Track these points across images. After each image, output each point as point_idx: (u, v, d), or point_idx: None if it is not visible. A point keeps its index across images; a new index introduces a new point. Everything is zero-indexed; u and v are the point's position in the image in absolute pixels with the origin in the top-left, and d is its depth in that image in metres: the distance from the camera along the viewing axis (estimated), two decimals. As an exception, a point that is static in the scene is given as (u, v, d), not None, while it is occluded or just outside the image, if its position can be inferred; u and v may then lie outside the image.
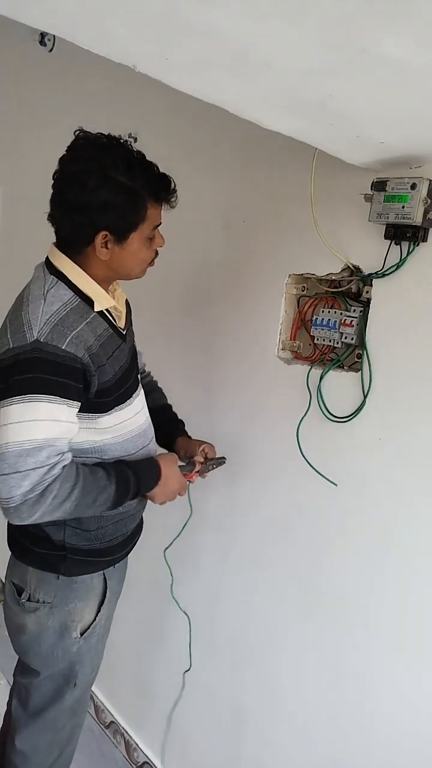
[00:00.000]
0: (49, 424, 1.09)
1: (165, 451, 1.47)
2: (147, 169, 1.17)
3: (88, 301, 1.19)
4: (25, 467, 1.06)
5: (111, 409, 1.22)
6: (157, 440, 1.46)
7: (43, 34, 2.25)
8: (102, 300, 1.21)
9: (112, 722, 2.03)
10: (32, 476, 1.07)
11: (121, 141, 1.18)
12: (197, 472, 1.42)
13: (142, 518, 1.49)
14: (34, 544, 1.32)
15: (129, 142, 1.19)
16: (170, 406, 1.59)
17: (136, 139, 1.86)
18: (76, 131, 1.17)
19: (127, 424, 1.28)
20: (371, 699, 1.29)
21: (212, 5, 0.61)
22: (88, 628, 1.36)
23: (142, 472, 1.27)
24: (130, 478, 1.23)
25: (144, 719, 1.93)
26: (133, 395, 1.31)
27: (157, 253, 1.27)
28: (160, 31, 0.71)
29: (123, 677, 1.99)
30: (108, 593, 1.39)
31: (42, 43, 2.27)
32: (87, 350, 1.14)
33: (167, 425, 1.52)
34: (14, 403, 1.08)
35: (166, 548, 1.61)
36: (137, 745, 1.93)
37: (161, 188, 1.19)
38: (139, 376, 1.42)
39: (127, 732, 1.98)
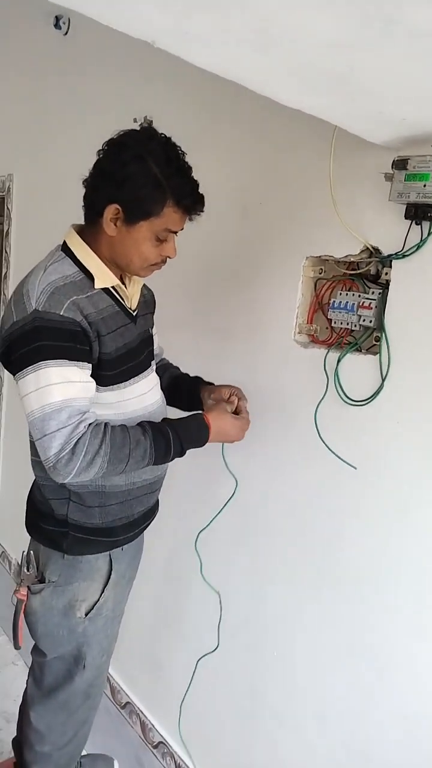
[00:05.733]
0: (63, 386, 1.14)
1: None
2: (183, 175, 1.19)
3: (92, 279, 1.22)
4: (50, 429, 1.13)
5: (112, 385, 1.25)
6: (183, 404, 1.48)
7: (57, 17, 2.23)
8: (103, 277, 1.24)
9: (128, 703, 2.06)
10: (58, 437, 1.12)
11: (178, 148, 1.20)
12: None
13: (155, 505, 1.50)
14: (41, 520, 1.38)
15: (166, 137, 1.21)
16: (185, 374, 1.59)
17: (151, 122, 1.85)
18: (144, 121, 1.21)
19: (129, 404, 1.29)
20: (388, 680, 1.29)
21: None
22: (93, 608, 1.39)
23: (181, 426, 1.28)
24: (167, 432, 1.24)
25: (160, 699, 1.95)
26: (139, 376, 1.32)
27: (165, 261, 1.27)
28: (179, 4, 0.70)
29: (139, 658, 2.01)
30: (114, 575, 1.40)
31: (57, 26, 2.25)
32: (85, 317, 1.17)
33: (186, 385, 1.52)
34: (28, 373, 1.14)
35: (202, 530, 1.63)
36: (153, 725, 1.95)
37: (186, 196, 1.18)
38: (153, 362, 1.43)
39: (142, 712, 2.00)
